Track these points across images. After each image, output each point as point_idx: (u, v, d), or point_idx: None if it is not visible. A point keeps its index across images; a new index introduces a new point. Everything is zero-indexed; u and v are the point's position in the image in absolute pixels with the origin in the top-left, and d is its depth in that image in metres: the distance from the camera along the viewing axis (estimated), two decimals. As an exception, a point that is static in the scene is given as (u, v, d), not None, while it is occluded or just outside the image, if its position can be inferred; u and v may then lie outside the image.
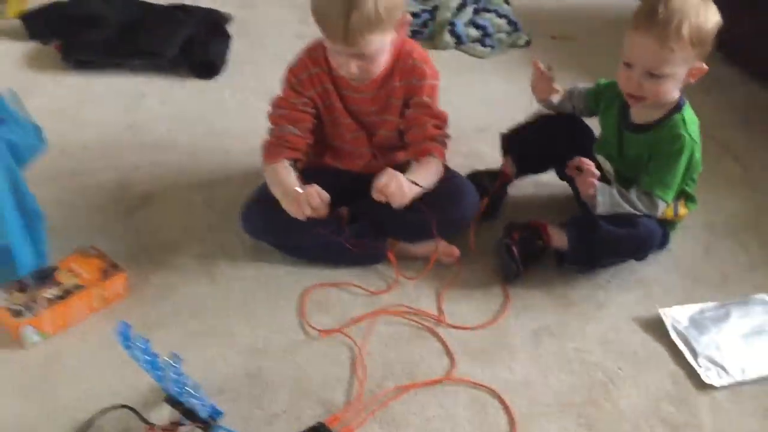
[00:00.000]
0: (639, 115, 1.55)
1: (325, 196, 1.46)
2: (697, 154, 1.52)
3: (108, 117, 2.02)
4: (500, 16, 2.52)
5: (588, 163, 1.52)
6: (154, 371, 1.11)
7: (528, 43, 2.50)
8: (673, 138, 1.49)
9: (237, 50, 2.34)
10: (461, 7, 2.52)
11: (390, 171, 1.47)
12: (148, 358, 1.09)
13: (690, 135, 1.49)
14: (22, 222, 1.39)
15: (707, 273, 1.63)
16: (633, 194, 1.51)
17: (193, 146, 1.92)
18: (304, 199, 1.43)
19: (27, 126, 1.39)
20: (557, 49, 2.49)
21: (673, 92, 1.48)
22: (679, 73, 1.44)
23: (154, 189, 1.76)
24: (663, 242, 1.62)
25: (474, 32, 2.46)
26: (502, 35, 2.48)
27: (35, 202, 1.40)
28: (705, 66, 1.45)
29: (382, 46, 1.43)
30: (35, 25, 2.33)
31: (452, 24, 2.46)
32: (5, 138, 1.29)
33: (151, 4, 2.43)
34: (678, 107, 1.51)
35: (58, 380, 1.31)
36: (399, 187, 1.44)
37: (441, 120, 1.58)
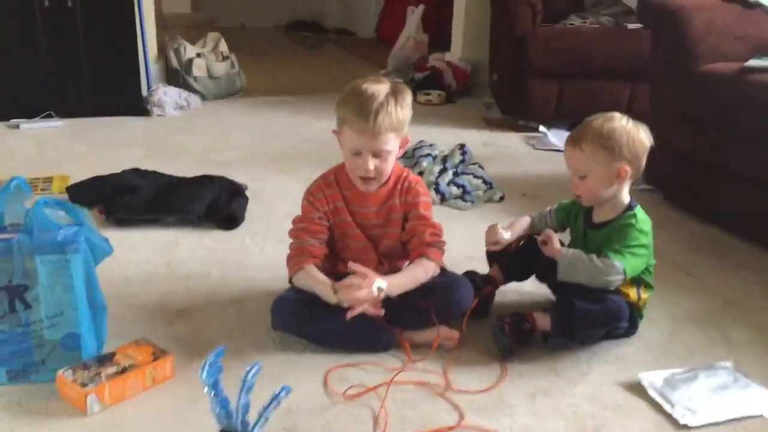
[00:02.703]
0: (598, 216, 1.91)
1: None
2: (646, 240, 1.83)
3: (147, 258, 2.31)
4: (476, 177, 2.96)
5: (551, 233, 1.86)
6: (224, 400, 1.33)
7: (502, 198, 2.90)
8: (624, 225, 1.83)
9: (252, 210, 2.70)
10: (442, 172, 2.96)
11: (368, 277, 1.72)
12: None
13: (639, 223, 1.82)
14: (90, 313, 1.64)
15: (674, 350, 1.87)
16: (593, 256, 1.80)
17: (223, 276, 2.20)
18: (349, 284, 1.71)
19: (97, 234, 1.68)
20: (527, 203, 2.89)
21: (604, 191, 1.84)
22: (599, 172, 1.81)
23: (191, 306, 2.01)
24: (632, 326, 1.88)
25: (455, 190, 2.86)
26: (480, 192, 2.89)
27: (103, 296, 1.66)
28: (627, 168, 1.80)
29: (394, 148, 1.79)
30: (78, 194, 2.66)
31: (436, 184, 2.87)
32: (87, 237, 1.59)
33: (179, 177, 2.82)
34: (630, 207, 1.87)
35: (116, 442, 1.48)
36: (368, 293, 1.70)
37: (437, 229, 1.89)
